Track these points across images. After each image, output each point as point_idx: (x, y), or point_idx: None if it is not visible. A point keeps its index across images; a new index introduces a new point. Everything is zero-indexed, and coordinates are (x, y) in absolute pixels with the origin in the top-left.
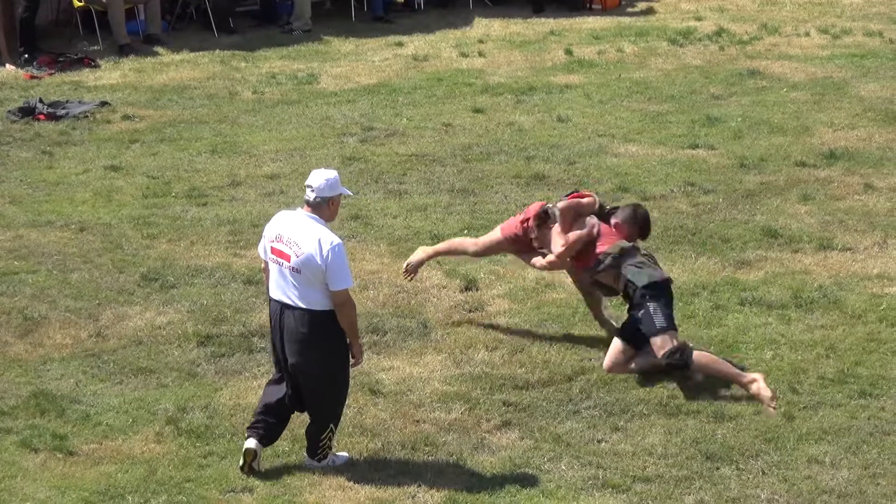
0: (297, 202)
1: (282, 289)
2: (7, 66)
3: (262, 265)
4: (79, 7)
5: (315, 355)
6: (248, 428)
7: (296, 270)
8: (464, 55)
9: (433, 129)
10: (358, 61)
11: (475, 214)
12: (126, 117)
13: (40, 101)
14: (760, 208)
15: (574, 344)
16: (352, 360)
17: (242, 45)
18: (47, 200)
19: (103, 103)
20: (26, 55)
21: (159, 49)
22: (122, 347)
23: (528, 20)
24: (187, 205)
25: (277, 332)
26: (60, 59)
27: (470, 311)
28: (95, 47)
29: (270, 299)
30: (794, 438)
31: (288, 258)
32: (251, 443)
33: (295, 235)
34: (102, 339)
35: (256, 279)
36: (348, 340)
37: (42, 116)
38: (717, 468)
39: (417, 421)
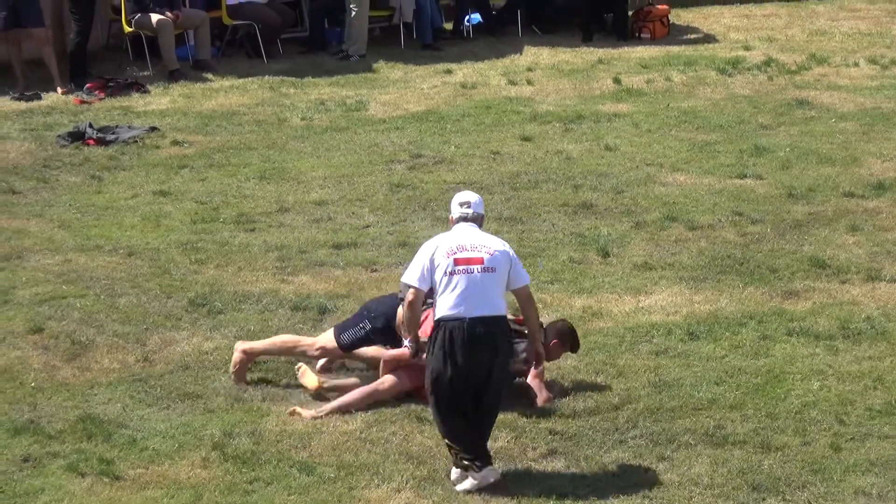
0: (345, 228)
1: (474, 301)
2: (58, 90)
3: (410, 298)
4: (129, 32)
5: (503, 361)
6: (478, 464)
7: (490, 270)
8: (512, 83)
9: (481, 156)
10: (406, 89)
11: (523, 242)
12: (175, 143)
13: (90, 125)
14: (808, 238)
15: (620, 373)
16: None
17: (291, 71)
18: (96, 225)
19: (152, 128)
20: (77, 80)
21: (209, 75)
22: (169, 372)
23: (577, 49)
24: (235, 230)
25: (459, 348)
26: (110, 84)
27: None
28: (145, 73)
29: (447, 319)
30: (840, 470)
31: (480, 260)
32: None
33: (478, 241)
34: (149, 363)
35: (303, 305)
36: (529, 339)
37: (91, 141)
38: (764, 499)
39: None
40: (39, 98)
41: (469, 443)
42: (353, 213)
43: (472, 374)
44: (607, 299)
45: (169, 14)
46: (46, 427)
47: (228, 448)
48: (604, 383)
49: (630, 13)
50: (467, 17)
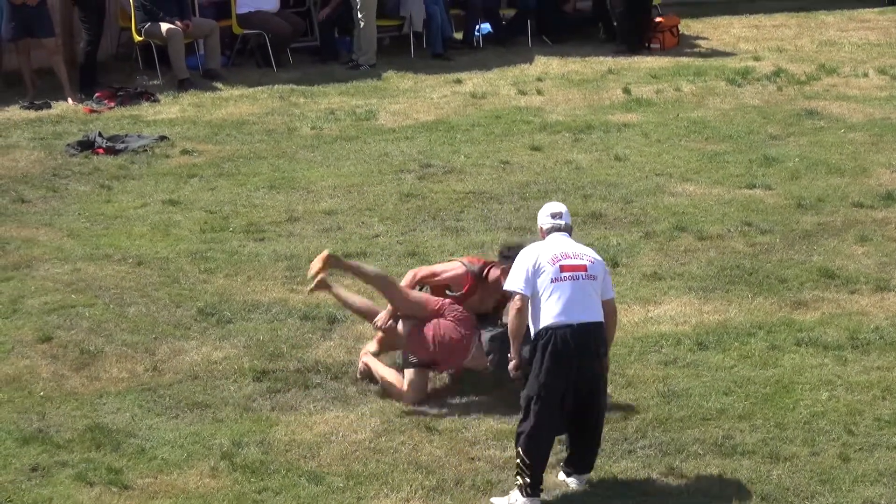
0: (354, 238)
1: (580, 307)
2: (68, 99)
3: (518, 305)
4: (139, 42)
5: (603, 366)
6: (530, 490)
7: (592, 278)
8: (522, 93)
9: (491, 166)
10: (416, 98)
11: None
12: (185, 152)
13: (99, 134)
14: (817, 249)
15: (629, 383)
16: None
17: (301, 80)
18: (105, 234)
19: (162, 137)
20: (86, 89)
21: (218, 84)
22: (178, 382)
23: (587, 58)
24: (245, 240)
25: (566, 355)
26: (120, 93)
27: None
28: (155, 82)
29: (554, 327)
30: (849, 480)
31: (584, 268)
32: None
33: (577, 249)
34: (158, 373)
35: (313, 315)
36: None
37: (101, 150)
38: None
39: (472, 458)
40: (49, 107)
41: (540, 464)
42: (362, 223)
43: (581, 381)
44: (616, 309)
45: (179, 23)
46: (55, 436)
47: (237, 458)
48: (613, 393)
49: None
50: (477, 27)
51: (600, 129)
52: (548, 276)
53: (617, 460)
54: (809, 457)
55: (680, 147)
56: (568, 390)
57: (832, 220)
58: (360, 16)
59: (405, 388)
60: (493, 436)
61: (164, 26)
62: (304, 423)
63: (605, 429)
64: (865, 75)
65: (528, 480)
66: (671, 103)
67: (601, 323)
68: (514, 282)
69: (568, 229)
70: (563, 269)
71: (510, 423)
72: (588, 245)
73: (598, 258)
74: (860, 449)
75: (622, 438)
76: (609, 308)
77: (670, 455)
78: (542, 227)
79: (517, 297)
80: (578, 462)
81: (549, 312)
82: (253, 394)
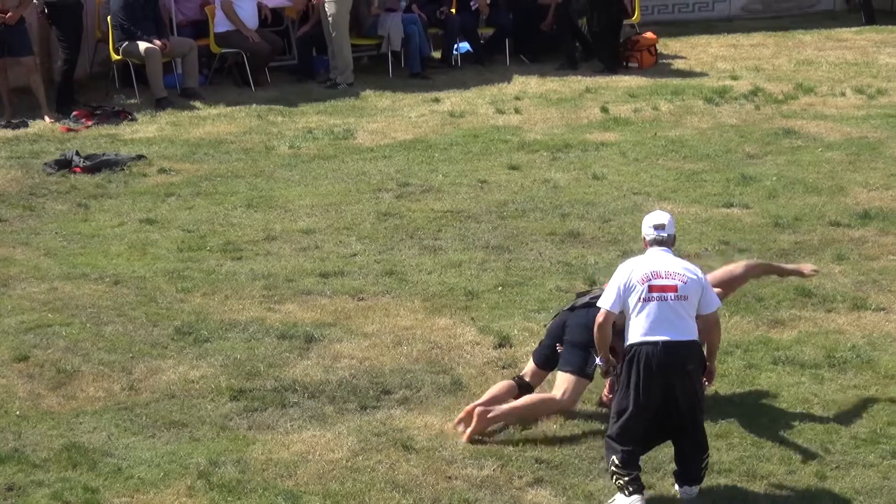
0: (332, 257)
1: (666, 326)
2: (45, 118)
3: (600, 320)
4: (116, 60)
5: (698, 385)
6: (632, 488)
7: (683, 298)
8: (500, 112)
9: (469, 185)
10: (394, 117)
11: (510, 271)
12: (162, 171)
13: (77, 153)
14: None
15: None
16: (706, 382)
17: (279, 99)
18: (82, 253)
19: (140, 156)
20: (64, 108)
21: (196, 103)
22: (155, 401)
23: (565, 77)
24: (222, 259)
25: (653, 372)
26: (97, 111)
27: (503, 367)
28: (132, 100)
29: (640, 344)
30: (827, 499)
31: (675, 288)
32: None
33: (672, 267)
34: (135, 392)
35: (290, 334)
36: (708, 357)
37: (78, 169)
38: None
39: (450, 477)
40: (26, 126)
41: (630, 468)
42: (340, 242)
43: (670, 397)
44: (718, 322)
45: (157, 42)
46: (31, 455)
47: (214, 477)
48: (590, 411)
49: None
50: (455, 46)
51: (578, 147)
52: (637, 295)
53: (594, 478)
54: (786, 475)
55: (657, 166)
56: (651, 405)
57: (809, 238)
58: (332, 34)
59: (563, 395)
60: (470, 454)
61: (142, 45)
62: (281, 442)
63: (582, 447)
64: (843, 94)
65: (625, 481)
66: (649, 122)
67: (691, 341)
68: (604, 299)
69: (670, 241)
70: (651, 288)
71: (488, 443)
72: (566, 264)
73: (695, 276)
74: (837, 467)
75: (599, 457)
76: (710, 320)
77: (647, 473)
78: (644, 238)
79: (602, 311)
80: (682, 475)
81: (636, 331)
82: (230, 413)
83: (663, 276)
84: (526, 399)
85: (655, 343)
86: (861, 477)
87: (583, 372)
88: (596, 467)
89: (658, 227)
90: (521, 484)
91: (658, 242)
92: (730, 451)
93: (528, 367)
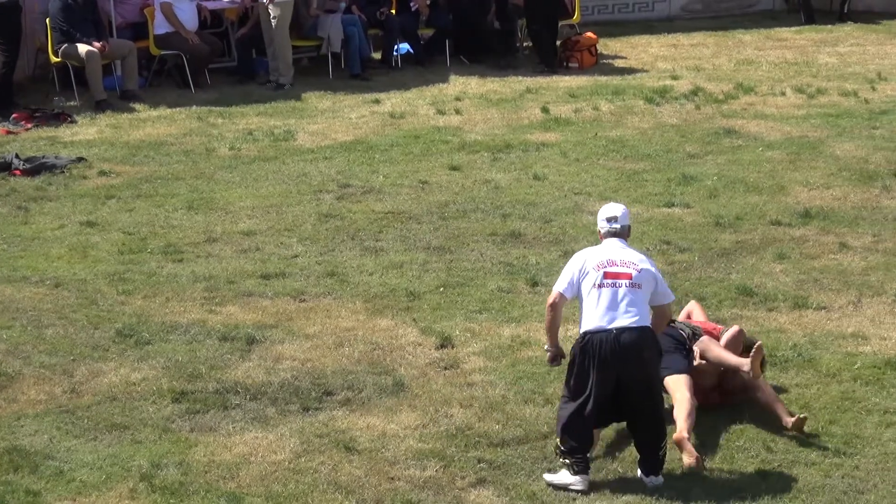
0: (273, 259)
1: (619, 313)
2: None
3: (552, 300)
4: (56, 63)
5: (652, 371)
6: (577, 468)
7: (637, 286)
8: (440, 112)
9: (410, 186)
10: (335, 118)
11: (451, 272)
12: (102, 173)
13: (16, 156)
14: (736, 267)
15: (549, 402)
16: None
17: (219, 101)
18: (22, 256)
19: (80, 159)
20: (3, 111)
21: (136, 105)
22: (97, 403)
23: (505, 78)
24: (163, 261)
25: (606, 359)
26: (37, 114)
27: (445, 368)
28: (72, 103)
29: (594, 332)
30: (768, 497)
31: (629, 276)
32: (584, 482)
33: (627, 257)
34: (77, 395)
35: (231, 336)
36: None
37: (18, 172)
38: None
39: (392, 478)
40: None
41: (579, 449)
42: (281, 243)
43: (622, 384)
44: (536, 328)
45: (96, 44)
46: None
47: (156, 479)
48: (532, 412)
49: (558, 43)
50: (396, 47)
51: (519, 148)
52: (591, 281)
53: (537, 479)
54: (728, 474)
55: (598, 166)
56: (605, 392)
57: (750, 237)
58: (272, 37)
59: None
60: (412, 455)
61: (82, 47)
62: (224, 444)
63: (525, 447)
64: (783, 94)
65: (570, 460)
66: (589, 122)
67: (644, 328)
68: (558, 282)
69: (624, 232)
70: (606, 275)
71: (430, 444)
72: (507, 265)
73: (647, 267)
74: (779, 466)
75: (542, 457)
76: (660, 312)
77: (590, 473)
78: (599, 231)
79: (555, 293)
80: (643, 464)
81: (590, 318)
82: (172, 415)
83: (618, 263)
84: (685, 410)
85: (609, 331)
86: (803, 475)
87: (686, 369)
88: (539, 467)
89: (611, 220)
90: (463, 484)
91: (612, 234)
92: (672, 450)
93: None
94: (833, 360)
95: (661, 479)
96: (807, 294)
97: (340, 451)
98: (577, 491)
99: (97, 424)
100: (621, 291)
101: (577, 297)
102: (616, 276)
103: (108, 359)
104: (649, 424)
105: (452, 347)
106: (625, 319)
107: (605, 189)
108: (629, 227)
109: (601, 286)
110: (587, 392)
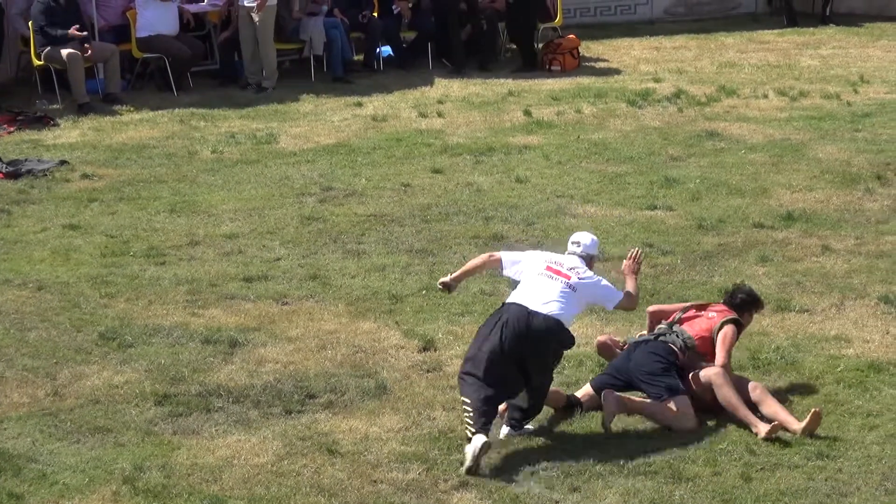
0: (255, 261)
1: (543, 300)
2: None
3: (486, 256)
4: (38, 65)
5: (550, 360)
6: (477, 427)
7: (571, 288)
8: (423, 115)
9: (392, 189)
10: (317, 121)
11: (434, 275)
12: (85, 176)
13: None
14: (718, 269)
15: None
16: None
17: (201, 104)
18: (5, 259)
19: (62, 162)
20: None
21: (119, 108)
22: (80, 406)
23: (487, 81)
24: (145, 264)
25: (513, 331)
26: (19, 117)
27: (428, 371)
28: (55, 106)
29: (513, 304)
30: (751, 500)
31: (567, 277)
32: (481, 439)
33: (575, 266)
34: (59, 397)
35: (214, 339)
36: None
37: (0, 175)
38: None
39: (375, 481)
40: None
41: (476, 408)
42: (263, 247)
43: (516, 359)
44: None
45: (77, 34)
46: None
47: (139, 482)
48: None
49: (540, 45)
50: (378, 50)
51: (501, 151)
52: (533, 270)
53: (520, 483)
54: (711, 477)
55: (581, 169)
56: (509, 356)
57: (733, 240)
58: (249, 38)
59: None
60: (395, 458)
61: (64, 51)
62: (206, 446)
63: (509, 450)
64: (765, 96)
65: (472, 417)
66: (572, 125)
67: (557, 321)
68: (508, 252)
69: (585, 258)
70: (549, 268)
71: (413, 447)
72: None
73: (591, 281)
74: (762, 469)
75: (524, 460)
76: (620, 306)
77: (573, 476)
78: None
79: (497, 254)
80: (510, 416)
81: (518, 292)
82: (154, 418)
83: (564, 268)
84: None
85: (526, 308)
86: (786, 478)
87: (677, 391)
88: (521, 470)
89: (574, 243)
90: (446, 487)
91: (573, 254)
92: (655, 453)
93: (584, 390)
94: (816, 362)
95: (516, 431)
96: (789, 297)
97: (323, 453)
98: (472, 454)
99: (80, 427)
100: (556, 285)
101: (512, 281)
102: (557, 273)
103: (90, 362)
104: (530, 395)
105: (435, 350)
106: (546, 307)
107: (588, 192)
108: (593, 256)
109: (540, 275)
110: (492, 348)
